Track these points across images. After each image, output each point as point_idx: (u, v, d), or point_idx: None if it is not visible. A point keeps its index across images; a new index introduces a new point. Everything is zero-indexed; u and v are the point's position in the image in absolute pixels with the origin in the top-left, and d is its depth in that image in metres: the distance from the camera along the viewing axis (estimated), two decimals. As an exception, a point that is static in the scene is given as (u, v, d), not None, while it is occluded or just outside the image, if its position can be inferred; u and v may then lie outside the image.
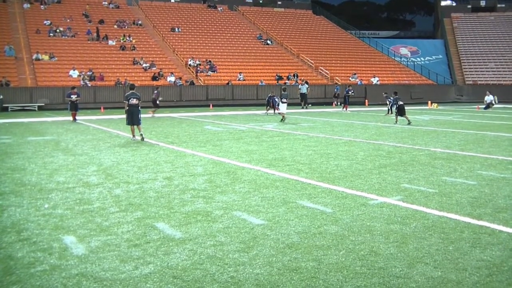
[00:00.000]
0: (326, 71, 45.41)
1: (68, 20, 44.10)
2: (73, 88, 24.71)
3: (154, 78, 37.85)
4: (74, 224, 6.34)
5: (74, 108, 23.56)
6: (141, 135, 15.33)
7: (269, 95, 30.02)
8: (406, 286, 4.47)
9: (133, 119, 15.34)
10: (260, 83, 40.00)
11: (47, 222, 6.43)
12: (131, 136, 15.62)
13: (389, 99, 27.86)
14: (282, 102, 23.45)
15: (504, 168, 10.41)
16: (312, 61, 47.15)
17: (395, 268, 4.87)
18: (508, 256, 5.21)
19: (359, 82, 44.10)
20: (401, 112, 22.16)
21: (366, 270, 4.82)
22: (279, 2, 65.07)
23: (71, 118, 23.39)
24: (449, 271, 4.80)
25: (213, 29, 51.00)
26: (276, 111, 24.61)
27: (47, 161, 11.39)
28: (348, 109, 32.71)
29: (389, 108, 28.17)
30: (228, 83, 39.11)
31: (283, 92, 23.71)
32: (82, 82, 34.77)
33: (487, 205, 7.31)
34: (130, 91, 15.62)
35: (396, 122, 22.05)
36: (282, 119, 22.99)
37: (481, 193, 8.06)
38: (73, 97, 23.51)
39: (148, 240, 5.74)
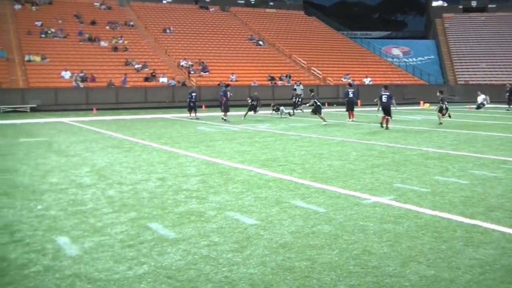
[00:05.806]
0: (319, 72, 45.46)
1: (60, 21, 43.84)
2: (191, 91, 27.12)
3: (146, 79, 37.77)
4: (67, 225, 6.33)
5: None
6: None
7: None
8: (399, 285, 4.49)
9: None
10: (252, 84, 39.96)
11: (40, 223, 6.42)
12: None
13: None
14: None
15: (496, 168, 10.47)
16: (304, 62, 47.18)
17: (388, 267, 4.89)
18: (500, 254, 5.24)
19: (351, 83, 44.10)
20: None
21: (359, 269, 4.84)
22: (271, 3, 65.06)
23: (66, 120, 23.59)
24: (442, 270, 4.82)
25: (205, 30, 50.92)
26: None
27: (39, 162, 11.35)
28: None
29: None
30: (218, 84, 39.01)
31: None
32: (74, 83, 34.64)
33: (480, 204, 7.35)
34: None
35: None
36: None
37: (473, 192, 8.10)
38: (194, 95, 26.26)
39: (141, 240, 5.74)
